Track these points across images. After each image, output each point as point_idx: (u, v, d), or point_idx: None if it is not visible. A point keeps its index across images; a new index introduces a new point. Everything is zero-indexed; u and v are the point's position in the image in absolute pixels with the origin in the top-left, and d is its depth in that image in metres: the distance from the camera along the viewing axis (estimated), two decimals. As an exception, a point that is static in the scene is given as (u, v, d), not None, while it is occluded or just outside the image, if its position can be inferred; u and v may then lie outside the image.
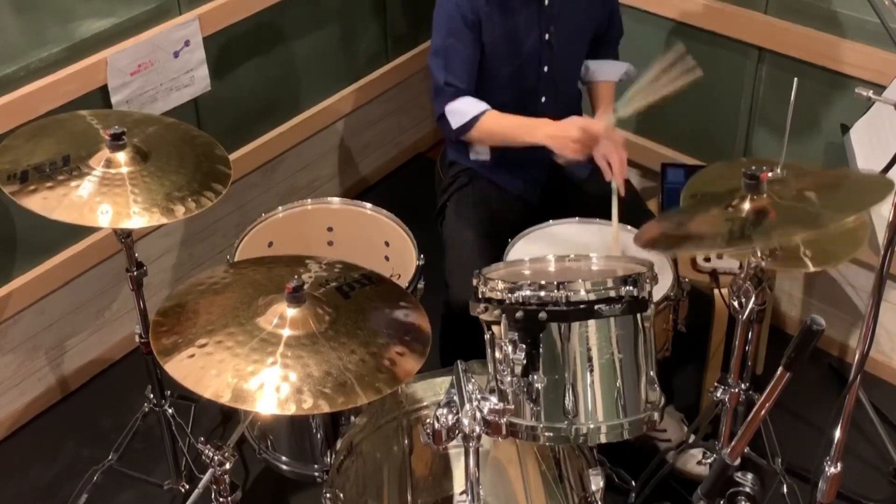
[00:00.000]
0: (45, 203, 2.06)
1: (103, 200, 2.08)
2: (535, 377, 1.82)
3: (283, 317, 1.89)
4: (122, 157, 2.16)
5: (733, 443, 1.72)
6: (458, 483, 1.99)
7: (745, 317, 2.17)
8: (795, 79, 2.14)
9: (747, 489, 1.81)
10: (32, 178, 2.10)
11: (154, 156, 2.20)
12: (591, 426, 1.84)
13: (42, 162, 2.14)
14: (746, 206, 1.98)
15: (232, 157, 3.11)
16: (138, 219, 2.07)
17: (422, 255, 2.47)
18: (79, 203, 2.07)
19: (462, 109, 2.52)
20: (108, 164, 2.15)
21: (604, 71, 2.75)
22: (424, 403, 2.13)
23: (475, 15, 2.49)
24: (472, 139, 2.59)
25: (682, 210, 2.33)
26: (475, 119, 2.51)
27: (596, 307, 1.82)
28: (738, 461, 1.75)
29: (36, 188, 2.08)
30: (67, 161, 2.15)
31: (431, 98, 2.59)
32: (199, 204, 2.14)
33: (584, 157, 2.43)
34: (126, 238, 2.25)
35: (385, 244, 2.61)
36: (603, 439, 1.88)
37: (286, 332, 1.87)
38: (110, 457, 2.59)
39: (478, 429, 1.78)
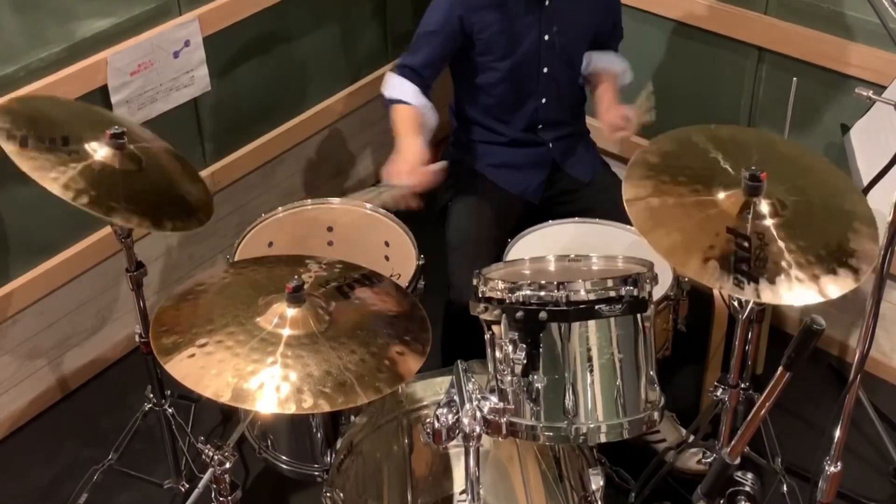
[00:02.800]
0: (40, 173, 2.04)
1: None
2: (535, 377, 1.82)
3: (283, 316, 1.89)
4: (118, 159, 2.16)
5: (733, 442, 1.72)
6: (458, 483, 1.99)
7: (744, 317, 2.17)
8: (795, 79, 2.14)
9: (747, 489, 1.81)
10: (33, 146, 2.09)
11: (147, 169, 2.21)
12: (591, 426, 1.84)
13: (42, 133, 2.13)
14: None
15: (232, 157, 3.12)
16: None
17: (422, 255, 2.47)
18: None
19: (396, 86, 2.61)
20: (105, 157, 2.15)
21: (607, 60, 2.74)
22: (424, 403, 2.13)
23: (468, 13, 2.49)
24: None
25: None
26: (395, 101, 2.60)
27: (596, 307, 1.82)
28: (738, 460, 1.75)
29: (35, 157, 2.06)
30: (67, 142, 2.14)
31: None
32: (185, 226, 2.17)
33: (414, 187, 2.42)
34: (126, 238, 2.25)
35: (385, 244, 2.61)
36: (603, 439, 1.87)
37: (286, 332, 1.87)
38: (110, 456, 2.59)
39: (478, 428, 1.78)
